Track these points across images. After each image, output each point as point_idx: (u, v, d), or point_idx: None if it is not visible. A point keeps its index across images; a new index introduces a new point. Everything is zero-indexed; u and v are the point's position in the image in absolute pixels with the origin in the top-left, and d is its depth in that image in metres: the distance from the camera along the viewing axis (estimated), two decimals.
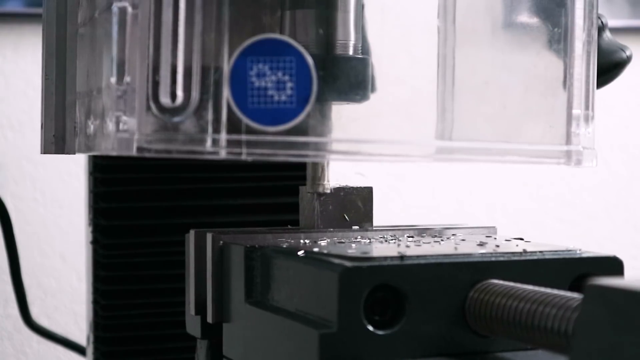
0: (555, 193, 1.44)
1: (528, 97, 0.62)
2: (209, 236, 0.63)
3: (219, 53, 0.54)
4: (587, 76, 0.62)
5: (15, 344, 1.26)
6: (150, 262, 0.79)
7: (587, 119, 0.62)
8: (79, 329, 1.24)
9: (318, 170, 0.67)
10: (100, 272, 0.80)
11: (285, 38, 0.55)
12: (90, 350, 0.82)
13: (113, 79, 0.55)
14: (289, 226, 0.70)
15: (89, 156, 0.81)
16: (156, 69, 0.53)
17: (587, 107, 0.62)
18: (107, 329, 0.80)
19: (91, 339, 0.81)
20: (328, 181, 0.67)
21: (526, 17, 0.62)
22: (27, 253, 1.22)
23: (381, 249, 0.56)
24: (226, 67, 0.54)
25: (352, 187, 0.68)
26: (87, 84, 0.65)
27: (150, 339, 0.80)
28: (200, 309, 0.64)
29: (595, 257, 0.55)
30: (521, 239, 0.61)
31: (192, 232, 0.65)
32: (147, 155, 0.54)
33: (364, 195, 0.68)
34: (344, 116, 0.58)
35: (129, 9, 0.54)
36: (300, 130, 0.55)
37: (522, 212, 1.42)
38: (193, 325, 0.66)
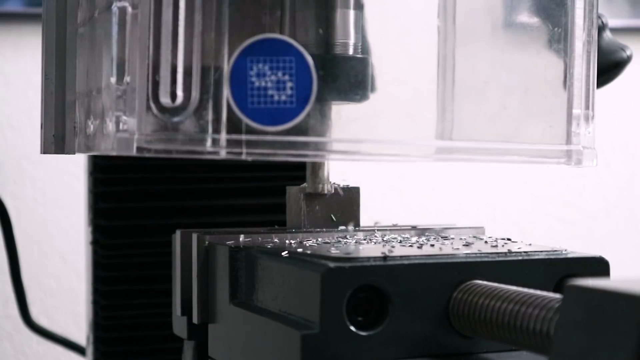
0: (555, 193, 1.44)
1: (528, 97, 0.62)
2: (194, 236, 0.63)
3: (219, 53, 0.54)
4: (587, 76, 0.62)
5: (15, 344, 1.26)
6: (150, 262, 0.79)
7: (588, 118, 0.62)
8: (79, 329, 1.24)
9: (318, 170, 0.67)
10: (100, 272, 0.80)
11: (285, 38, 0.55)
12: (90, 350, 0.82)
13: (113, 79, 0.55)
14: (276, 226, 0.69)
15: (89, 156, 0.81)
16: (156, 69, 0.53)
17: (587, 107, 0.62)
18: (107, 329, 0.80)
19: (91, 339, 0.81)
20: (328, 181, 0.67)
21: (526, 17, 0.62)
22: (27, 253, 1.22)
23: (365, 250, 0.56)
24: (226, 67, 0.54)
25: (339, 187, 0.68)
26: (87, 84, 0.65)
27: (150, 339, 0.80)
28: (186, 310, 0.64)
29: (580, 257, 0.55)
30: (509, 239, 0.61)
31: (178, 233, 0.65)
32: (147, 155, 0.54)
33: (351, 196, 0.68)
34: (344, 116, 0.58)
35: (129, 9, 0.54)
36: (300, 130, 0.55)
37: (522, 212, 1.42)
38: (179, 326, 0.66)
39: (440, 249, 0.55)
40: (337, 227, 0.67)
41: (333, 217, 0.67)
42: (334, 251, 0.54)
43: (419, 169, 1.37)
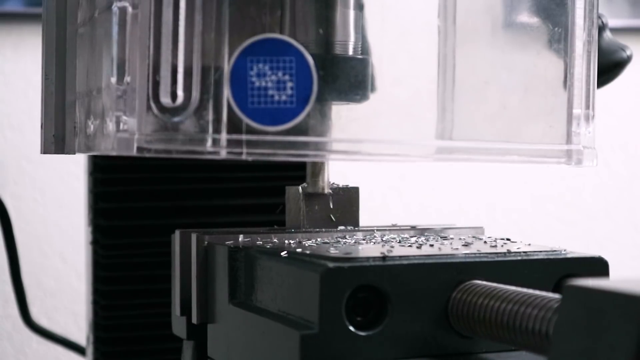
0: (555, 193, 1.44)
1: (528, 97, 0.62)
2: (193, 236, 0.63)
3: (219, 53, 0.54)
4: (588, 76, 0.62)
5: (15, 344, 1.26)
6: (150, 262, 0.79)
7: (588, 118, 0.62)
8: (79, 329, 1.24)
9: (317, 170, 0.67)
10: (100, 272, 0.80)
11: (285, 38, 0.55)
12: (90, 350, 0.82)
13: (113, 79, 0.55)
14: (275, 226, 0.69)
15: (89, 156, 0.81)
16: (156, 69, 0.53)
17: (587, 107, 0.62)
18: (107, 329, 0.80)
19: (91, 339, 0.81)
20: (328, 181, 0.67)
21: (526, 17, 0.62)
22: (27, 253, 1.22)
23: (364, 250, 0.56)
24: (226, 67, 0.54)
25: (338, 187, 0.68)
26: (87, 84, 0.65)
27: (150, 339, 0.80)
28: (186, 310, 0.64)
29: (579, 257, 0.55)
30: (508, 239, 0.61)
31: (177, 233, 0.65)
32: (147, 155, 0.54)
33: (351, 196, 0.68)
34: (344, 116, 0.58)
35: (129, 9, 0.54)
36: (300, 130, 0.55)
37: (522, 212, 1.42)
38: (179, 326, 0.66)
39: (440, 249, 0.55)
40: (337, 227, 0.67)
41: (332, 217, 0.67)
42: (333, 251, 0.54)
43: (419, 169, 1.37)
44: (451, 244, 0.58)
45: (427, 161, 0.60)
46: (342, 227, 0.67)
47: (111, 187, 0.79)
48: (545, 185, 1.43)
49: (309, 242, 0.60)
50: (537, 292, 0.48)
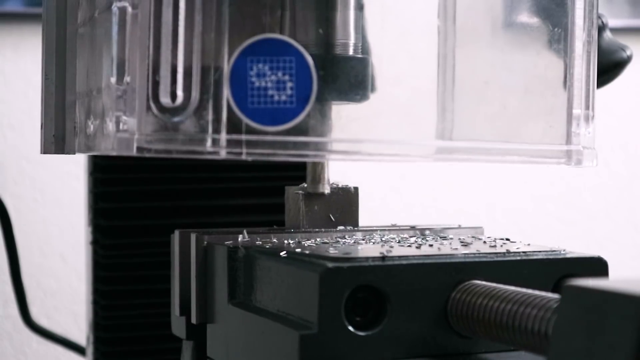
0: (555, 193, 1.44)
1: (528, 97, 0.62)
2: (192, 236, 0.63)
3: (219, 53, 0.54)
4: (588, 76, 0.62)
5: (15, 344, 1.26)
6: (150, 262, 0.79)
7: (588, 118, 0.62)
8: (79, 329, 1.24)
9: (318, 171, 0.67)
10: (100, 272, 0.80)
11: (285, 38, 0.55)
12: (90, 351, 0.82)
13: (113, 79, 0.55)
14: (275, 226, 0.70)
15: (89, 156, 0.81)
16: (156, 69, 0.53)
17: (587, 107, 0.62)
18: (107, 329, 0.80)
19: (91, 339, 0.81)
20: (328, 182, 0.67)
21: (526, 17, 0.62)
22: (27, 253, 1.22)
23: (364, 250, 0.56)
24: (226, 67, 0.54)
25: (338, 187, 0.68)
26: (87, 84, 0.65)
27: (150, 339, 0.80)
28: (185, 310, 0.64)
29: (579, 257, 0.55)
30: (507, 239, 0.61)
31: (176, 233, 0.65)
32: (147, 155, 0.54)
33: (350, 196, 0.68)
34: (344, 116, 0.58)
35: (129, 9, 0.54)
36: (300, 130, 0.55)
37: (522, 212, 1.42)
38: (178, 326, 0.66)
39: (439, 249, 0.55)
40: (336, 227, 0.67)
41: (332, 217, 0.67)
42: (332, 251, 0.54)
43: (419, 169, 1.37)
44: (450, 244, 0.58)
45: (427, 161, 0.60)
46: (341, 227, 0.67)
47: (111, 187, 0.79)
48: (545, 185, 1.43)
49: (309, 242, 0.60)
50: (537, 292, 0.48)
